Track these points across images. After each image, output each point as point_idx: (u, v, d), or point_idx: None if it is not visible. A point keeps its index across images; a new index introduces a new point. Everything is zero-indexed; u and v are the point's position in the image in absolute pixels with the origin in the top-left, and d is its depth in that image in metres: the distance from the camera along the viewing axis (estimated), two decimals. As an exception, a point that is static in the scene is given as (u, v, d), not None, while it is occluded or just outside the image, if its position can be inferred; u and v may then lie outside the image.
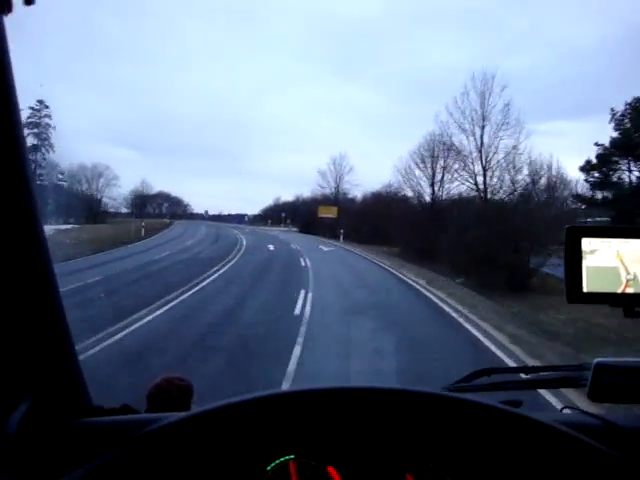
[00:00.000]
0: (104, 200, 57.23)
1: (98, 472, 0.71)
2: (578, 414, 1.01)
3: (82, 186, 56.19)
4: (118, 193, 58.82)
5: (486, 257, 17.67)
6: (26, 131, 57.07)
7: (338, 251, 31.41)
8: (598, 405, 1.18)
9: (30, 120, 57.10)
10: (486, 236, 18.68)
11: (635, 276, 0.99)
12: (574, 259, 1.00)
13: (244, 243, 33.80)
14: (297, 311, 11.30)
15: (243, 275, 17.43)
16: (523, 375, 1.31)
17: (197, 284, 14.55)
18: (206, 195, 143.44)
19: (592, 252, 1.00)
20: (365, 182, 74.12)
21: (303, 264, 21.67)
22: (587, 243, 1.00)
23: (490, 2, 63.78)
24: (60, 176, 52.51)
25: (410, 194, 35.37)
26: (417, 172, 33.76)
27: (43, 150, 58.17)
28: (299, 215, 61.74)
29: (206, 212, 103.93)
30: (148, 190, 75.49)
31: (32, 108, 57.41)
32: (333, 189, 56.43)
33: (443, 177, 32.30)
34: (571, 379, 1.13)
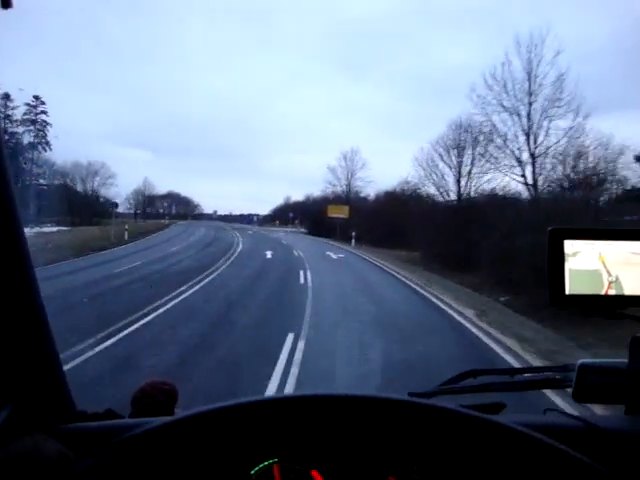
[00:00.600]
0: (106, 200, 53.02)
1: (79, 477, 0.72)
2: (560, 416, 1.00)
3: (78, 185, 52.69)
4: (116, 192, 55.52)
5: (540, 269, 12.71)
6: (21, 128, 53.27)
7: (348, 259, 26.40)
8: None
9: (26, 117, 54.14)
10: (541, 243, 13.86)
11: (617, 278, 1.00)
12: (556, 261, 1.00)
13: (239, 249, 29.36)
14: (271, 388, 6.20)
15: (212, 305, 11.94)
16: (509, 377, 1.29)
17: (126, 326, 9.30)
18: (218, 195, 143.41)
19: (575, 254, 1.00)
20: (378, 180, 69.70)
21: (302, 280, 16.73)
22: (570, 245, 1.01)
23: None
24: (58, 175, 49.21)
25: (432, 190, 30.20)
26: (440, 165, 28.82)
27: (40, 148, 54.93)
28: (308, 215, 56.98)
29: (215, 212, 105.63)
30: (151, 190, 73.70)
31: (28, 104, 54.27)
32: (344, 187, 51.80)
33: (471, 170, 27.33)
34: (556, 380, 1.19)
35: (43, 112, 55.69)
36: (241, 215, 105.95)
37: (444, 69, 68.92)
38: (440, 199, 29.22)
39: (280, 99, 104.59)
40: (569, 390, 1.05)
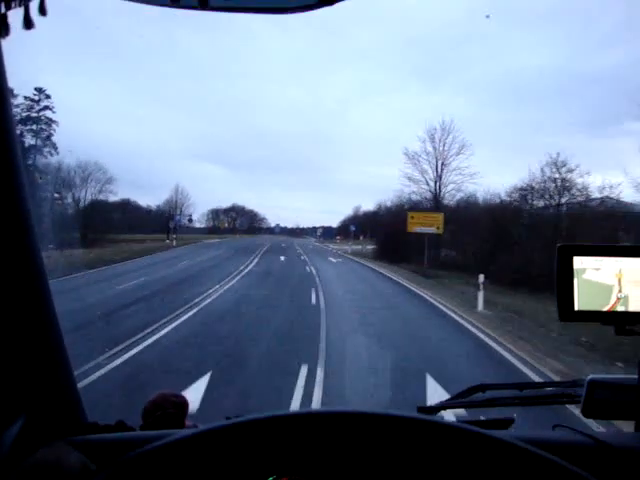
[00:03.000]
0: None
1: None
2: (569, 432, 0.99)
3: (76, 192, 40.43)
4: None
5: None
6: (19, 127, 40.54)
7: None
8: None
9: (26, 114, 42.89)
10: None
11: (625, 294, 1.00)
12: (566, 277, 1.00)
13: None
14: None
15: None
16: (517, 391, 1.25)
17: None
18: (287, 208, 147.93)
19: (583, 271, 1.01)
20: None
21: None
22: (579, 262, 1.01)
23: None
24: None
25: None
26: None
27: (45, 151, 43.71)
28: (379, 228, 40.27)
29: (277, 226, 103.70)
30: (183, 199, 64.05)
31: (28, 98, 43.04)
32: (431, 184, 34.46)
33: None
34: (565, 395, 1.17)
35: (47, 108, 44.69)
36: (305, 229, 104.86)
37: (521, 70, 61.16)
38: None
39: (353, 109, 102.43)
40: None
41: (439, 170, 33.16)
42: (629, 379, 1.01)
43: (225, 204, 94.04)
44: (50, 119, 44.47)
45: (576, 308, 0.99)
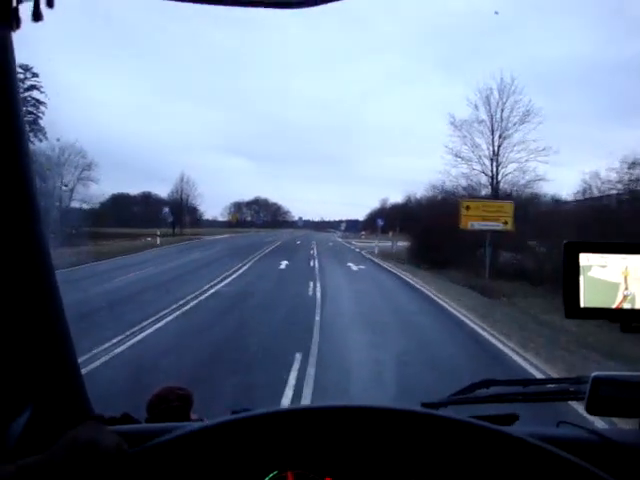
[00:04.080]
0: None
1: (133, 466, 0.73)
2: (574, 429, 1.00)
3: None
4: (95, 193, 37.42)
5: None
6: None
7: None
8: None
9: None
10: None
11: (632, 292, 1.00)
12: (572, 274, 1.00)
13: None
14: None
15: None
16: (521, 387, 1.25)
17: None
18: (312, 201, 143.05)
19: (590, 268, 1.00)
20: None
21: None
22: (585, 259, 1.01)
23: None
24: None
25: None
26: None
27: (31, 137, 37.67)
28: (412, 222, 31.73)
29: (300, 219, 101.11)
30: (188, 190, 60.69)
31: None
32: (486, 163, 25.78)
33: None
34: (569, 392, 1.18)
35: (34, 88, 38.64)
36: (330, 222, 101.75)
37: (549, 61, 56.28)
38: None
39: (377, 101, 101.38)
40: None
41: (496, 145, 24.62)
42: (634, 376, 1.01)
43: (248, 197, 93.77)
44: (38, 100, 38.58)
45: (582, 305, 1.00)
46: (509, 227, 18.01)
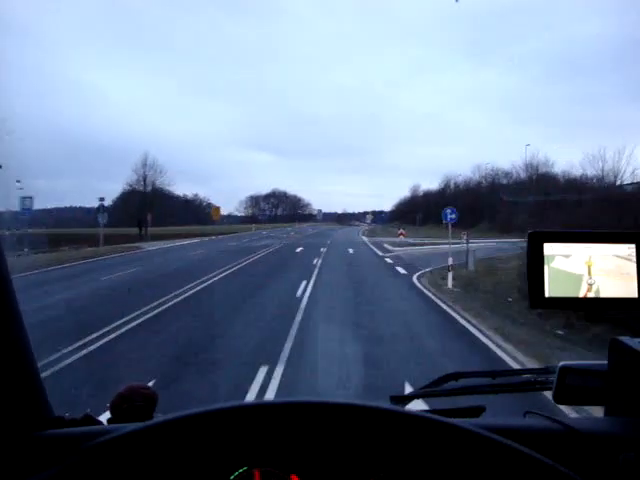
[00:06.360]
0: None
1: None
2: (540, 419, 1.00)
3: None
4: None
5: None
6: None
7: None
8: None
9: None
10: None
11: (596, 281, 1.00)
12: (536, 264, 1.00)
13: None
14: None
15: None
16: (490, 379, 1.27)
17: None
18: (334, 192, 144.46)
19: (553, 258, 1.00)
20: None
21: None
22: (549, 248, 1.00)
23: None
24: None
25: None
26: None
27: None
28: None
29: (319, 212, 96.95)
30: (155, 175, 54.20)
31: None
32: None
33: None
34: (537, 382, 1.23)
35: None
36: (353, 214, 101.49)
37: (579, 43, 59.30)
38: None
39: (402, 90, 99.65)
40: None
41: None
42: (599, 364, 1.02)
43: (265, 190, 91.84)
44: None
45: (546, 295, 1.00)
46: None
